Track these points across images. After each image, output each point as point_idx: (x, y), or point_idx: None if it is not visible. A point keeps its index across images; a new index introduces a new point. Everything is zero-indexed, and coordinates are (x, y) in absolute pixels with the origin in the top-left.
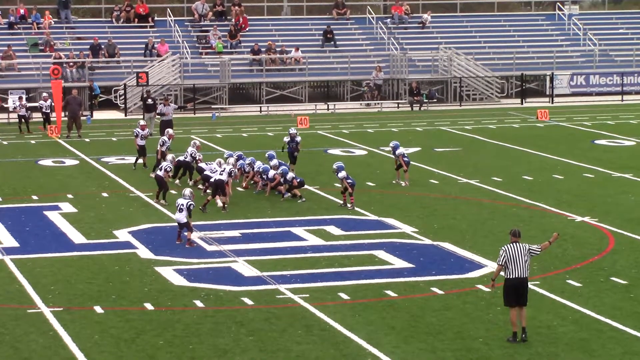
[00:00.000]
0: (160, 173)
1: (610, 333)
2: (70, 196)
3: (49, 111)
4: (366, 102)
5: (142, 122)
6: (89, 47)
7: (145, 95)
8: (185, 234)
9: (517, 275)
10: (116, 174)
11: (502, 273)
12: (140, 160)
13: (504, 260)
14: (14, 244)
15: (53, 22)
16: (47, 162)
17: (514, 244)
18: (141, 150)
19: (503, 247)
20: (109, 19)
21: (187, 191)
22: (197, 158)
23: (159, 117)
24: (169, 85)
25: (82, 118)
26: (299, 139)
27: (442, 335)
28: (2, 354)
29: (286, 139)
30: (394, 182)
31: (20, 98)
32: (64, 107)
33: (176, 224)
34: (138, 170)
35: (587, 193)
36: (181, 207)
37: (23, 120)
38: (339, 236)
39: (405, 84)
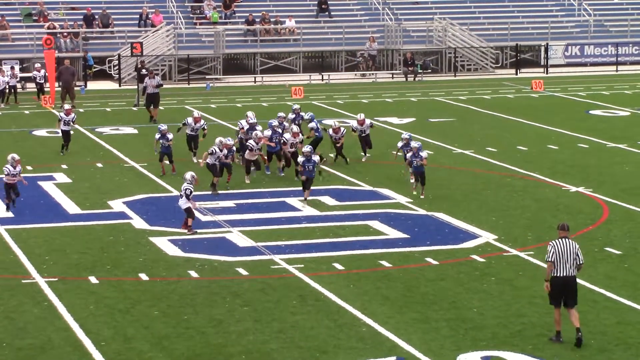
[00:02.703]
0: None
1: (604, 303)
2: (64, 166)
3: (42, 81)
4: (361, 73)
5: (66, 107)
6: (82, 17)
7: (139, 66)
8: (188, 220)
9: (564, 274)
10: (110, 145)
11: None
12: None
13: (553, 257)
14: (9, 214)
15: None
16: (41, 132)
17: (563, 239)
18: (65, 135)
19: (551, 243)
20: None
21: (188, 175)
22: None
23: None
24: (163, 55)
25: (75, 88)
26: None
27: (437, 306)
28: None
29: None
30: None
31: (12, 68)
32: (57, 78)
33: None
34: (133, 140)
35: (582, 163)
36: (181, 192)
37: (12, 90)
38: (333, 206)
39: (399, 54)
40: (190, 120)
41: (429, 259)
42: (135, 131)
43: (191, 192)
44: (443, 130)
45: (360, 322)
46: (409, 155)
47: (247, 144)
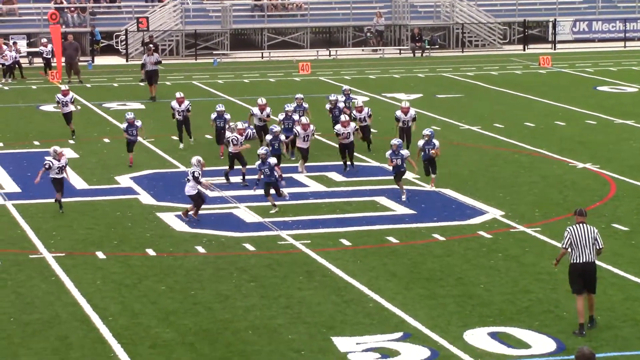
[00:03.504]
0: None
1: (611, 279)
2: (71, 142)
3: (49, 56)
4: (372, 49)
5: (62, 87)
6: None
7: (147, 40)
8: (188, 206)
9: (583, 260)
10: (118, 120)
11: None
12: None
13: (569, 243)
14: (16, 189)
15: None
16: (48, 107)
17: (580, 224)
18: (66, 117)
19: (568, 229)
20: None
21: (194, 159)
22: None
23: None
24: (170, 30)
25: (80, 63)
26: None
27: (443, 282)
28: (4, 299)
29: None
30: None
31: (14, 43)
32: (62, 53)
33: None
34: (140, 115)
35: (589, 140)
36: (187, 177)
37: (17, 66)
38: (340, 182)
39: (407, 30)
40: (174, 103)
41: (435, 235)
42: (142, 106)
43: (199, 174)
44: (450, 107)
45: (367, 298)
46: (420, 142)
47: (231, 136)
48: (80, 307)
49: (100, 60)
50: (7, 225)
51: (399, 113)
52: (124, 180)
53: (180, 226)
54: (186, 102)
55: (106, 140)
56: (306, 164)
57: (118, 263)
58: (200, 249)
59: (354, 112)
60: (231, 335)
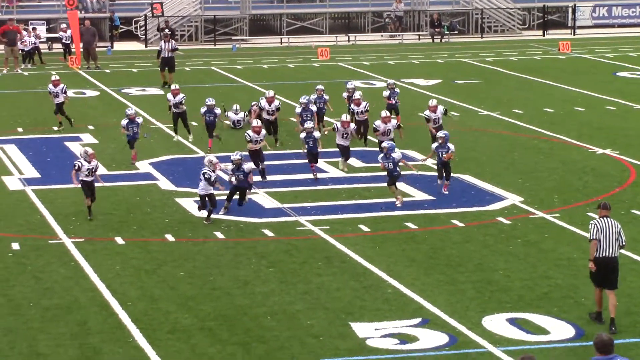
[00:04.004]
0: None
1: (630, 265)
2: (91, 127)
3: (68, 42)
4: (390, 34)
5: (53, 78)
6: None
7: (163, 26)
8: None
9: (605, 255)
10: (137, 105)
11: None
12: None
13: (597, 235)
14: (35, 174)
15: None
16: (67, 93)
17: (604, 218)
18: (58, 108)
19: (592, 222)
20: None
21: (206, 160)
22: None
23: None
24: (189, 16)
25: (98, 49)
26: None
27: (462, 267)
28: (24, 284)
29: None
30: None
31: (34, 29)
32: (80, 38)
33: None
34: (159, 100)
35: (609, 125)
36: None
37: (36, 51)
38: (359, 168)
39: (426, 15)
40: (169, 96)
41: (454, 221)
42: (162, 92)
43: (210, 176)
44: (469, 92)
45: (385, 283)
46: (434, 145)
47: (246, 134)
48: (99, 293)
49: (119, 45)
50: (27, 211)
51: (427, 112)
52: (143, 166)
53: (199, 212)
54: (181, 95)
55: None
56: (324, 150)
57: (137, 248)
58: (219, 235)
59: (352, 105)
60: (250, 320)
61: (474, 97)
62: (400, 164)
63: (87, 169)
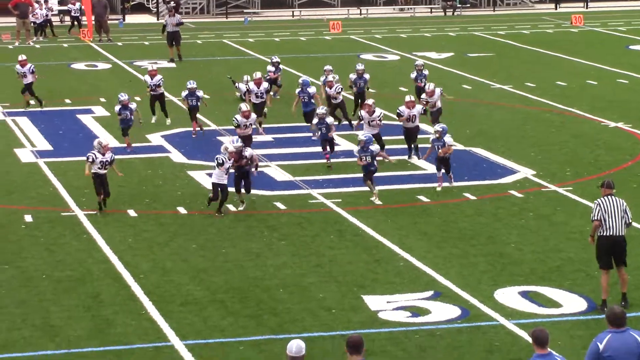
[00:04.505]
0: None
1: None
2: (103, 100)
3: (78, 14)
4: (399, 7)
5: (20, 58)
6: None
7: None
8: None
9: (611, 233)
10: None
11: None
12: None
13: (599, 215)
14: (48, 147)
15: None
16: (79, 65)
17: (608, 197)
18: (28, 88)
19: (596, 201)
20: None
21: (222, 147)
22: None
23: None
24: None
25: (110, 22)
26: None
27: (474, 240)
28: (36, 256)
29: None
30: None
31: (46, 1)
32: (92, 11)
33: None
34: (171, 73)
35: (621, 98)
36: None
37: (48, 24)
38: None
39: None
40: (147, 77)
41: (467, 194)
42: (173, 65)
43: (224, 161)
44: (482, 66)
45: (397, 256)
46: (431, 138)
47: (233, 118)
48: (111, 265)
49: (131, 18)
50: (39, 183)
51: (423, 96)
52: (155, 139)
53: (211, 184)
54: (158, 77)
55: (137, 98)
56: (337, 123)
57: (149, 221)
58: (231, 207)
59: (326, 88)
60: (262, 293)
61: (486, 70)
62: (378, 157)
63: (101, 162)
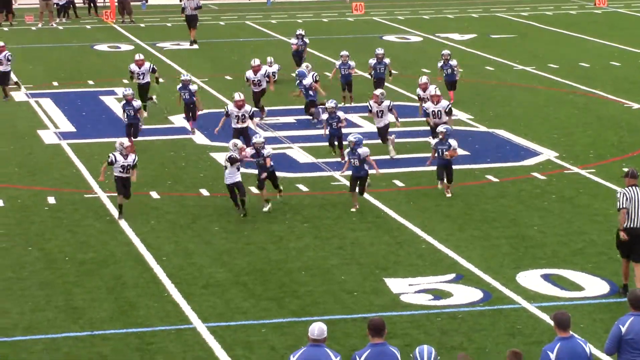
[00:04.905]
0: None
1: None
2: (125, 81)
3: None
4: None
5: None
6: None
7: None
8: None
9: (632, 225)
10: (171, 60)
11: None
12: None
13: (626, 204)
14: (71, 128)
15: None
16: (102, 47)
17: (632, 187)
18: (2, 78)
19: (621, 190)
20: None
21: (230, 143)
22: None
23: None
24: None
25: (133, 3)
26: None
27: (497, 223)
28: (59, 238)
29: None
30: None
31: None
32: None
33: None
34: (193, 55)
35: None
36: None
37: (71, 5)
38: (392, 123)
39: None
40: (133, 66)
41: (489, 177)
42: (196, 46)
43: (235, 159)
44: (504, 47)
45: (419, 239)
46: (434, 141)
47: (225, 107)
48: (134, 247)
49: (154, 0)
50: (62, 165)
51: (418, 91)
52: (178, 120)
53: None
54: (147, 64)
55: (160, 80)
56: (359, 104)
57: (172, 203)
58: (254, 190)
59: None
60: (284, 275)
61: (509, 51)
62: (367, 164)
63: (122, 165)
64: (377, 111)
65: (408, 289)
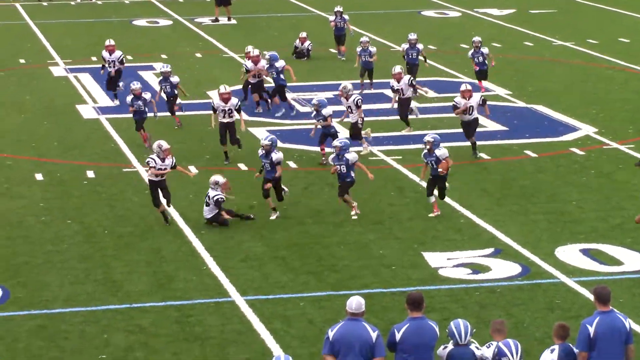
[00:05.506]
0: None
1: None
2: (164, 56)
3: None
4: None
5: None
6: None
7: None
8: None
9: None
10: (210, 35)
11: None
12: None
13: None
14: (109, 103)
15: None
16: (141, 22)
17: None
18: None
19: None
20: None
21: (212, 180)
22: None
23: None
24: None
25: None
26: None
27: (535, 198)
28: (98, 212)
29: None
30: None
31: None
32: None
33: None
34: (232, 30)
35: None
36: (207, 200)
37: None
38: (432, 98)
39: None
40: (105, 53)
41: (527, 152)
42: (234, 22)
43: (223, 199)
44: (544, 22)
45: (458, 213)
46: (423, 153)
47: (212, 104)
48: (172, 221)
49: None
50: (101, 139)
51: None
52: (216, 95)
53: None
54: (118, 52)
55: (198, 55)
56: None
57: (210, 177)
58: (292, 164)
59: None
60: (322, 249)
61: (548, 27)
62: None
63: (158, 169)
64: (347, 106)
65: (446, 263)
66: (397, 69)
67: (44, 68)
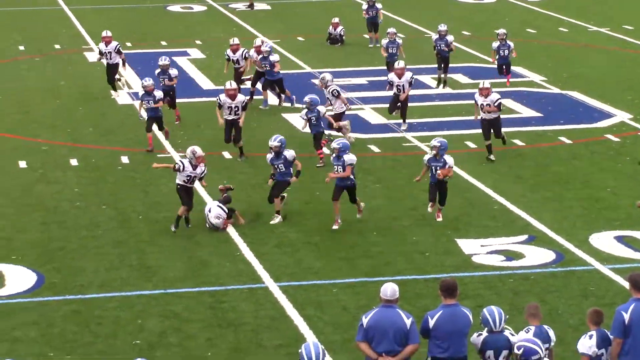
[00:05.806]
0: None
1: None
2: (198, 42)
3: None
4: None
5: None
6: None
7: None
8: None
9: None
10: (244, 21)
11: None
12: None
13: None
14: (139, 89)
15: None
16: (175, 7)
17: None
18: None
19: None
20: None
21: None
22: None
23: None
24: None
25: None
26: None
27: (569, 185)
28: (133, 197)
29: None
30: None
31: None
32: None
33: None
34: (266, 16)
35: None
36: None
37: None
38: (466, 84)
39: None
40: (102, 45)
41: (562, 138)
42: (269, 7)
43: (225, 212)
44: (579, 7)
45: (492, 200)
46: (426, 157)
47: (217, 97)
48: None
49: None
50: (136, 125)
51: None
52: (248, 82)
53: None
54: (114, 43)
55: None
56: (430, 66)
57: (244, 163)
58: (325, 150)
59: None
60: (356, 235)
61: (584, 12)
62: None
63: (187, 176)
64: (326, 98)
65: (480, 249)
66: (401, 64)
67: (79, 54)
